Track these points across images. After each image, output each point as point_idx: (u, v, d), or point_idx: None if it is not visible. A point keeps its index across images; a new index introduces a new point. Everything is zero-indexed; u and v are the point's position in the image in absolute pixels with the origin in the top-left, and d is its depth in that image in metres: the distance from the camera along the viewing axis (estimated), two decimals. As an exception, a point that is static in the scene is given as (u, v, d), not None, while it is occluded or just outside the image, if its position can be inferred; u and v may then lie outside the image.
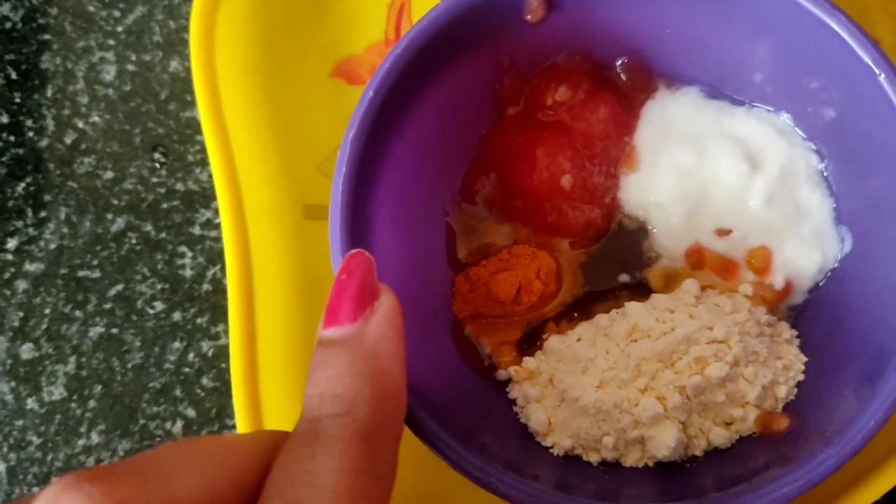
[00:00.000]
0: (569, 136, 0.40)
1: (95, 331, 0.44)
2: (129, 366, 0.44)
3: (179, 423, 0.43)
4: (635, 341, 0.37)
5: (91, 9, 0.47)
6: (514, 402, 0.39)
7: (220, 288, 0.44)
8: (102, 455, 0.43)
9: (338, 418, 0.26)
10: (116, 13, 0.47)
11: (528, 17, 0.38)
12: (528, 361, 0.39)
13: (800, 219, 0.39)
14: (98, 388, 0.44)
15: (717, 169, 0.39)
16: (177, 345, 0.44)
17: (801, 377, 0.37)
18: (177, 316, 0.44)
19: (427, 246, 0.41)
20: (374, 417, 0.27)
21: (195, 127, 0.45)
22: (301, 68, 0.44)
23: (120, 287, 0.45)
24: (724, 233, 0.39)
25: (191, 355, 0.44)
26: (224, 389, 0.41)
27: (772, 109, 0.40)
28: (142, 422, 0.43)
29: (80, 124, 0.46)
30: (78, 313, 0.44)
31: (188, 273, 0.45)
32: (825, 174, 0.39)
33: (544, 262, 0.40)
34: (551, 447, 0.37)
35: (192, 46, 0.42)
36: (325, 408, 0.27)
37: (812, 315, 0.39)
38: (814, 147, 0.39)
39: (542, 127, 0.41)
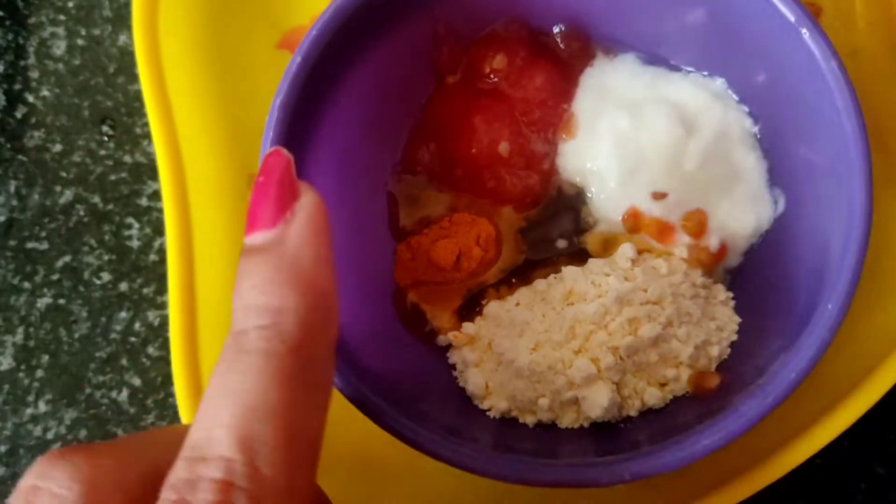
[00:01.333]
0: (507, 103, 0.41)
1: (43, 301, 0.45)
2: (76, 336, 0.44)
3: (125, 392, 0.44)
4: (571, 304, 0.37)
5: (42, -16, 0.48)
6: (454, 367, 0.39)
7: (166, 258, 0.44)
8: (49, 423, 0.43)
9: (263, 330, 0.25)
10: (67, -13, 0.48)
11: (463, -16, 0.39)
12: (468, 327, 0.39)
13: (734, 181, 0.39)
14: (45, 358, 0.44)
15: (653, 133, 0.39)
16: (123, 315, 0.44)
17: (734, 337, 0.37)
18: (123, 286, 0.45)
19: (368, 216, 0.41)
20: (303, 326, 0.25)
21: (142, 99, 0.45)
22: (247, 40, 0.44)
23: (68, 258, 0.45)
24: (660, 196, 0.39)
25: (137, 325, 0.44)
26: (170, 358, 0.41)
27: (707, 74, 0.40)
28: (88, 391, 0.44)
29: (31, 98, 0.47)
30: (26, 284, 0.45)
31: (135, 244, 0.45)
32: (758, 136, 0.39)
33: (484, 228, 0.40)
34: (488, 410, 0.38)
35: (135, 19, 0.43)
36: (250, 320, 0.25)
37: (747, 276, 0.39)
38: (747, 110, 0.39)
39: (480, 95, 0.41)
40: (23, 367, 0.44)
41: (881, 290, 0.39)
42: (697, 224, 0.39)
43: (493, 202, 0.41)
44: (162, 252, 0.45)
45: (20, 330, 0.44)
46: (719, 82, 0.40)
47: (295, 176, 0.28)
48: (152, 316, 0.44)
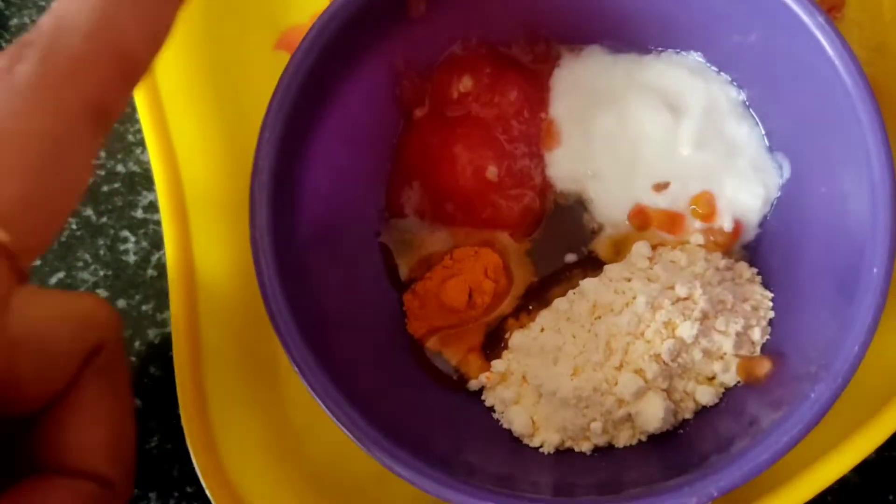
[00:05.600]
0: (483, 126, 0.39)
1: None
2: (74, 356, 0.42)
3: None
4: (599, 318, 0.36)
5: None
6: (492, 409, 0.37)
7: (165, 273, 0.41)
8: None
9: None
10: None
11: (412, 13, 0.37)
12: (497, 364, 0.37)
13: (734, 155, 0.38)
14: (43, 381, 0.42)
15: (640, 124, 0.38)
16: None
17: (771, 315, 0.36)
18: (121, 303, 0.42)
19: (365, 269, 0.39)
20: None
21: (134, 105, 0.42)
22: (243, 41, 0.41)
23: (61, 274, 0.43)
24: (662, 187, 0.38)
25: (136, 344, 0.42)
26: (172, 378, 0.38)
27: (680, 50, 0.39)
28: None
29: None
30: None
31: (132, 259, 0.43)
32: (747, 104, 0.38)
33: (489, 259, 0.38)
34: (540, 446, 0.36)
35: None
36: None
37: (767, 249, 0.38)
38: (729, 78, 0.38)
39: (453, 123, 0.39)
40: (21, 390, 0.42)
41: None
42: (706, 206, 0.37)
43: (492, 230, 0.39)
44: (160, 266, 0.43)
45: None
46: (694, 56, 0.38)
47: None
48: (153, 334, 0.42)
